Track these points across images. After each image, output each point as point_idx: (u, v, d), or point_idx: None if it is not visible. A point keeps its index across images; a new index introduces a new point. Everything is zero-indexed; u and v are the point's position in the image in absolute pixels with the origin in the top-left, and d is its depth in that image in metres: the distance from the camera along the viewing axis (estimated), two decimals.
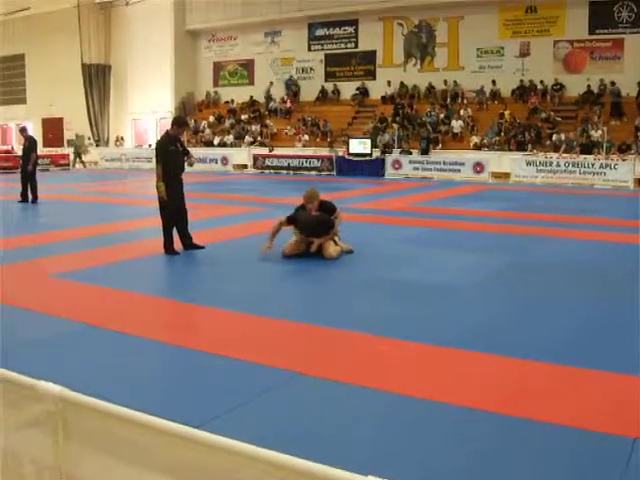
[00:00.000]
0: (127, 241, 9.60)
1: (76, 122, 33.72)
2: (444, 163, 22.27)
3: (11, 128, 37.86)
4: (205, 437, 1.75)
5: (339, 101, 29.32)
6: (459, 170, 21.87)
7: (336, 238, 8.27)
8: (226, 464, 1.70)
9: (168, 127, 8.94)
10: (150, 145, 29.46)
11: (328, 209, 8.34)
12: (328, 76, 29.73)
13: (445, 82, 26.58)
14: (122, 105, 34.01)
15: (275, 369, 4.35)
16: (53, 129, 35.70)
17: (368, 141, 23.83)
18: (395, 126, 24.96)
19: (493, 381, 4.20)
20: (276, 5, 29.24)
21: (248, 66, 31.85)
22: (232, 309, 5.85)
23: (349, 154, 23.82)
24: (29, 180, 14.88)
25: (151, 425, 1.85)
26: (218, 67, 32.70)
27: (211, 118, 30.68)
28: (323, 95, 29.55)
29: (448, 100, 26.26)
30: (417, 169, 22.61)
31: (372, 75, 28.71)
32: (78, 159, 29.71)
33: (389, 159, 23.23)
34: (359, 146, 23.72)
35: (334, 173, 23.73)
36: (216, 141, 28.96)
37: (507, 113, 23.99)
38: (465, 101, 25.89)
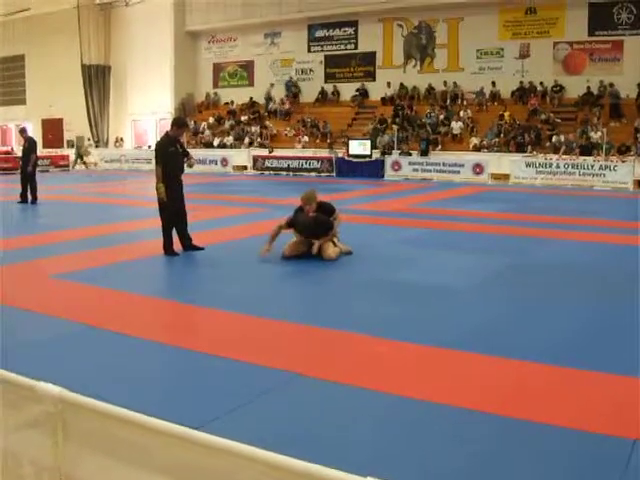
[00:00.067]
0: (127, 242, 9.59)
1: (76, 123, 33.74)
2: (444, 164, 22.28)
3: (11, 129, 37.86)
4: (204, 438, 1.76)
5: (339, 102, 29.33)
6: (459, 171, 21.88)
7: (335, 239, 8.28)
8: (225, 465, 1.70)
9: (168, 128, 8.95)
10: (150, 146, 29.46)
11: (327, 210, 8.34)
12: (328, 77, 29.74)
13: (445, 83, 26.60)
14: (122, 106, 34.02)
15: (274, 370, 4.35)
16: (53, 130, 35.70)
17: (368, 142, 23.85)
18: (395, 127, 24.96)
19: (492, 382, 4.20)
20: (276, 6, 29.26)
21: (248, 67, 31.86)
22: (232, 310, 5.85)
23: (349, 155, 23.83)
24: (29, 181, 14.88)
25: (150, 426, 1.85)
26: (218, 68, 32.71)
27: (211, 119, 30.69)
28: (323, 96, 29.56)
29: (448, 101, 26.27)
30: (417, 170, 22.61)
31: (372, 76, 28.72)
32: (80, 160, 29.71)
33: (389, 160, 23.23)
34: (359, 147, 23.74)
35: (334, 174, 23.74)
36: (216, 142, 28.97)
37: (507, 114, 24.00)
38: (465, 102, 25.89)
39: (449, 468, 3.13)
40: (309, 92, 29.96)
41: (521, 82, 25.17)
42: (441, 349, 4.79)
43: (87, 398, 2.00)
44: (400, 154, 23.64)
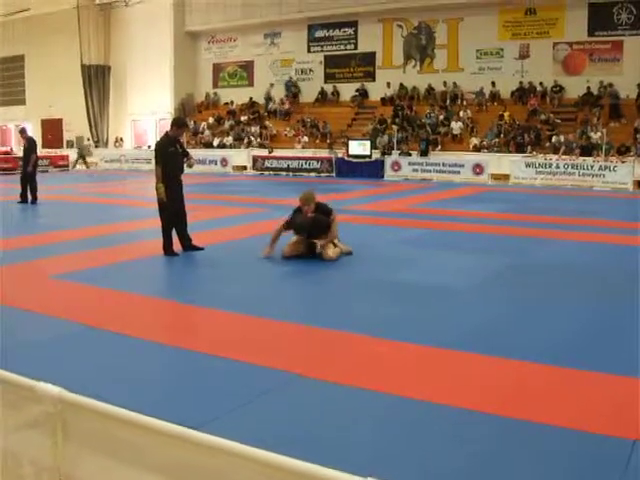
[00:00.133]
0: (126, 242, 9.59)
1: (75, 123, 33.75)
2: (443, 165, 22.28)
3: (10, 129, 37.87)
4: (203, 438, 1.75)
5: (338, 102, 29.33)
6: (458, 172, 21.89)
7: (335, 240, 8.28)
8: (223, 465, 1.70)
9: (167, 128, 8.94)
10: (149, 146, 29.46)
11: (324, 211, 8.34)
12: (327, 77, 29.75)
13: (444, 84, 26.60)
14: (121, 106, 34.02)
15: (274, 370, 4.35)
16: (52, 130, 35.70)
17: (367, 142, 23.85)
18: (394, 128, 24.97)
19: (492, 383, 4.20)
20: (276, 7, 29.26)
21: (248, 67, 31.87)
22: (231, 310, 5.85)
23: (348, 156, 23.83)
24: (29, 181, 14.88)
25: (150, 426, 1.85)
26: (218, 68, 32.72)
27: (210, 119, 30.69)
28: (322, 96, 29.57)
29: (447, 102, 26.28)
30: (416, 171, 22.61)
31: (371, 77, 28.73)
32: (82, 160, 29.69)
33: (388, 160, 23.23)
34: (358, 148, 23.74)
35: (333, 174, 23.74)
36: (215, 142, 28.97)
37: (506, 115, 24.01)
38: (464, 103, 25.89)
39: (449, 468, 3.13)
40: (309, 92, 29.97)
41: (521, 82, 25.18)
42: (441, 349, 4.79)
43: (87, 398, 2.00)
44: (400, 154, 23.65)
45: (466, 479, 3.07)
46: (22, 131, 16.13)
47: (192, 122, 29.68)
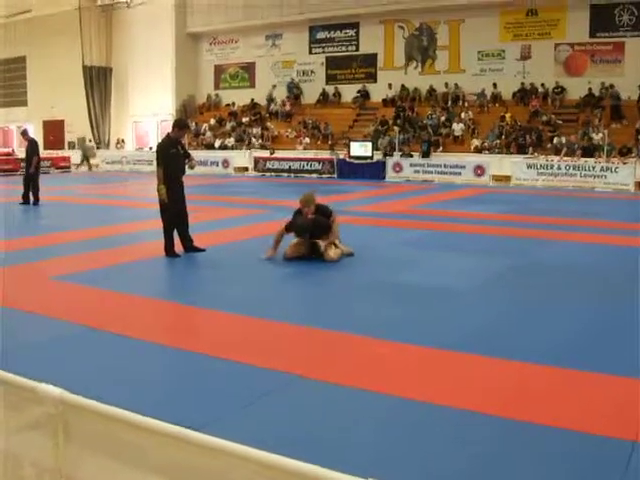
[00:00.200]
0: (128, 243, 9.60)
1: (77, 124, 33.78)
2: (445, 166, 22.28)
3: (12, 130, 37.91)
4: (206, 440, 1.75)
5: (340, 104, 29.35)
6: (460, 173, 21.88)
7: (337, 241, 8.28)
8: (224, 466, 1.70)
9: (169, 130, 8.96)
10: (151, 148, 29.47)
11: (324, 213, 8.34)
12: (329, 79, 29.77)
13: (446, 85, 26.60)
14: (123, 107, 34.05)
15: (276, 372, 4.35)
16: (54, 131, 35.73)
17: (369, 144, 23.84)
18: (396, 129, 24.98)
19: (494, 384, 4.20)
20: (277, 8, 29.29)
21: (249, 69, 31.90)
22: (233, 312, 5.85)
23: (350, 157, 23.83)
24: (31, 182, 14.90)
25: (152, 428, 1.84)
26: (219, 70, 32.76)
27: (212, 121, 30.71)
28: (324, 98, 29.58)
29: (449, 103, 26.28)
30: (418, 172, 22.61)
31: (373, 78, 28.75)
32: (86, 161, 29.68)
33: (390, 162, 23.23)
34: (360, 149, 23.74)
35: (335, 176, 23.74)
36: (217, 144, 28.99)
37: (508, 116, 24.00)
38: (466, 104, 25.88)
39: (451, 470, 3.13)
40: (310, 93, 29.99)
41: (522, 83, 25.17)
42: (443, 351, 4.79)
43: (88, 400, 2.00)
44: (401, 156, 23.65)
45: None
46: (24, 132, 16.14)
47: (194, 123, 29.71)
